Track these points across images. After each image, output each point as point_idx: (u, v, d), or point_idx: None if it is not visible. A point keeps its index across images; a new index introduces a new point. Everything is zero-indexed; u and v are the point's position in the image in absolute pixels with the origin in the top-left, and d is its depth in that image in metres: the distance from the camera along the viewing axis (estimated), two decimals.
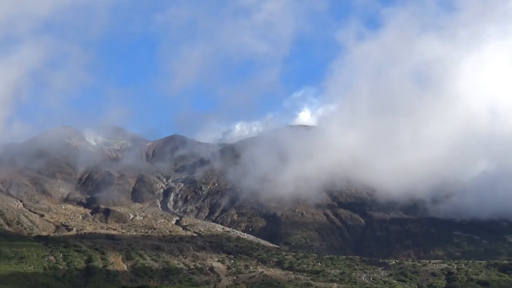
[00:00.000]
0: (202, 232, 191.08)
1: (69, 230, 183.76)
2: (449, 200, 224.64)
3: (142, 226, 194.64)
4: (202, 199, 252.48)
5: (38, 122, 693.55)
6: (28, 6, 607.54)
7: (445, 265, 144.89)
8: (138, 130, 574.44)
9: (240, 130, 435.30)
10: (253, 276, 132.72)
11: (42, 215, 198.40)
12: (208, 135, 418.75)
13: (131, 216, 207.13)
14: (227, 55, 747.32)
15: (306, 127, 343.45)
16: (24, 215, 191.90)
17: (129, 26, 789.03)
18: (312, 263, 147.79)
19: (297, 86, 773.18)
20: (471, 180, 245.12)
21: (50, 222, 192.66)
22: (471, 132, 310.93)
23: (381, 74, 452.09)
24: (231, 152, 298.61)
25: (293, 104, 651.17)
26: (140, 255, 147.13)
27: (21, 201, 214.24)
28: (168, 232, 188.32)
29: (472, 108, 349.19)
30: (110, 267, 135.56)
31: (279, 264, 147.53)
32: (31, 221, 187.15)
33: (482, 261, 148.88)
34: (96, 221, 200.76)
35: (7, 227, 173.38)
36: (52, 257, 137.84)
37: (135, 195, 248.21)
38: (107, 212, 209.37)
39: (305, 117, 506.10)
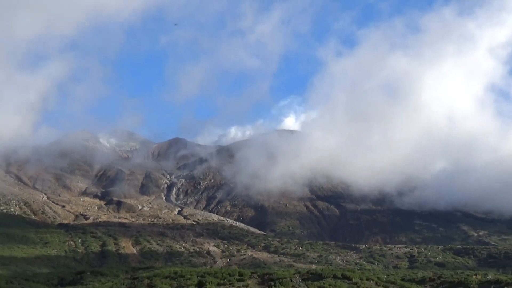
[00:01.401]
0: (200, 220, 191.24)
1: (86, 219, 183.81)
2: (412, 193, 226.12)
3: (149, 216, 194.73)
4: (200, 192, 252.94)
5: (62, 127, 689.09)
6: (56, 27, 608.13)
7: (407, 249, 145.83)
8: (147, 133, 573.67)
9: (234, 133, 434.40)
10: (244, 258, 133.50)
11: (63, 206, 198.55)
12: (207, 137, 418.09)
13: (140, 207, 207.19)
14: (224, 69, 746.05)
15: (291, 131, 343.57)
16: (48, 206, 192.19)
17: (141, 45, 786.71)
18: (294, 248, 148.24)
19: (284, 96, 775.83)
20: (431, 177, 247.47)
21: (70, 212, 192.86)
22: (431, 136, 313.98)
23: (356, 86, 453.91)
24: (226, 152, 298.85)
25: (280, 111, 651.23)
26: (147, 241, 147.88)
27: (45, 194, 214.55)
28: (171, 220, 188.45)
29: (432, 115, 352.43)
30: (122, 251, 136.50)
31: (266, 248, 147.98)
32: (54, 211, 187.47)
33: (439, 246, 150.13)
34: (109, 211, 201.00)
35: (33, 216, 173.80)
36: (72, 242, 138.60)
37: (143, 189, 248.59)
38: (119, 203, 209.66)
39: (290, 122, 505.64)
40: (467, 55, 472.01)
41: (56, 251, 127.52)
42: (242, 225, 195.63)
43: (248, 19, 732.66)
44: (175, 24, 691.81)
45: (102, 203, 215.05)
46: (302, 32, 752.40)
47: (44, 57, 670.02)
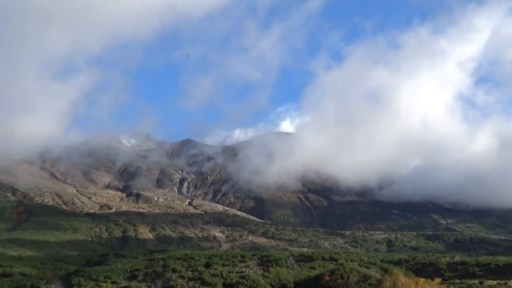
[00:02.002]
0: (208, 210, 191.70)
1: (110, 208, 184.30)
2: (391, 187, 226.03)
3: (164, 206, 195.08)
4: (208, 186, 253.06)
5: (89, 129, 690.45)
6: (84, 44, 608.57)
7: (386, 235, 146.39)
8: (162, 135, 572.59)
9: (238, 135, 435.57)
10: (245, 243, 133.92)
11: (90, 198, 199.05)
12: (214, 138, 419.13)
13: (156, 199, 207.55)
14: (229, 80, 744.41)
15: (287, 133, 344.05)
16: (77, 197, 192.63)
17: (158, 60, 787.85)
18: (289, 234, 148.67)
19: (281, 103, 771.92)
20: (407, 173, 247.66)
21: (96, 202, 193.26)
22: (408, 138, 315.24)
23: (343, 95, 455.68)
24: (230, 151, 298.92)
25: (277, 116, 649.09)
26: (162, 227, 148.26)
27: (74, 187, 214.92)
28: (182, 210, 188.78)
29: (409, 120, 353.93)
30: (140, 236, 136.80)
31: (264, 234, 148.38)
32: (82, 202, 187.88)
33: (413, 232, 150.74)
34: (130, 202, 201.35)
35: (64, 206, 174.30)
36: (97, 229, 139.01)
37: (159, 183, 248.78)
38: (138, 195, 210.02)
39: (286, 126, 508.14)
40: (439, 69, 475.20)
41: (84, 236, 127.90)
42: (243, 214, 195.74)
43: (251, 37, 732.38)
44: (187, 55, 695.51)
45: (123, 195, 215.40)
46: (297, 48, 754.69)
47: (74, 69, 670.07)
